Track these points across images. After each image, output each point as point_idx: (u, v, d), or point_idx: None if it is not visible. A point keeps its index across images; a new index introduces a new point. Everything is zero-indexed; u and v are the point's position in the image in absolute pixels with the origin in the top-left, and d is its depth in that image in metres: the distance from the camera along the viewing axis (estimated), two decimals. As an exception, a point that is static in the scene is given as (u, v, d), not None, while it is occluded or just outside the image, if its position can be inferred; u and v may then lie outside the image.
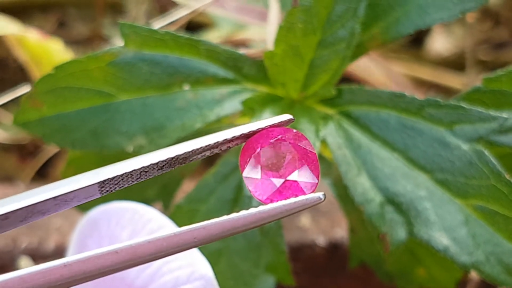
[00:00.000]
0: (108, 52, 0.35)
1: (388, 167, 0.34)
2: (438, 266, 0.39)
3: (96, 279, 0.24)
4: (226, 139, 0.25)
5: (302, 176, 0.24)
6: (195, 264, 0.30)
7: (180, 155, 0.25)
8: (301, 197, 0.24)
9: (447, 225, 0.33)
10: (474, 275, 0.44)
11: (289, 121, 0.25)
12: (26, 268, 0.23)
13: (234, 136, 0.25)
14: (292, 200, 0.24)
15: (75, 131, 0.36)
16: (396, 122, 0.34)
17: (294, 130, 0.25)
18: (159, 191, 0.39)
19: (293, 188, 0.24)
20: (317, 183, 0.24)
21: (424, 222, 0.33)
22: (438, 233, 0.33)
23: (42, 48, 0.49)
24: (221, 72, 0.35)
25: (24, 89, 0.51)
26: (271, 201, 0.24)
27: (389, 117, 0.35)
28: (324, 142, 0.35)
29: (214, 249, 0.36)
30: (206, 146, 0.25)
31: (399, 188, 0.34)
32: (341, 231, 0.45)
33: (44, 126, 0.36)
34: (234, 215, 0.23)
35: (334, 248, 0.45)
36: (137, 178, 0.25)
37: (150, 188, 0.38)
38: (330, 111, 0.36)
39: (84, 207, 0.38)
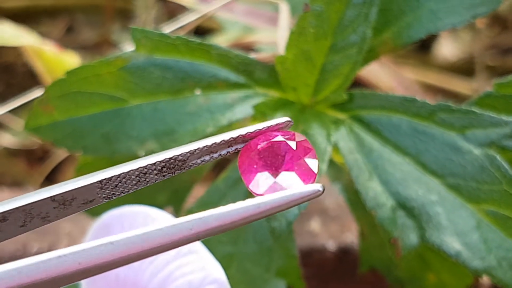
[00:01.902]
0: (119, 57, 0.35)
1: (399, 172, 0.34)
2: (448, 271, 0.39)
3: (97, 274, 0.23)
4: (223, 140, 0.25)
5: (301, 173, 0.24)
6: (208, 268, 0.30)
7: (177, 156, 0.25)
8: (299, 188, 0.23)
9: (459, 230, 0.33)
10: (484, 281, 0.44)
11: (288, 123, 0.25)
12: (22, 260, 0.23)
13: (232, 138, 0.25)
14: (290, 191, 0.23)
15: (86, 136, 0.36)
16: (408, 126, 0.34)
17: (293, 132, 0.25)
18: (169, 196, 0.39)
19: (291, 185, 0.24)
20: (315, 177, 0.24)
21: (436, 227, 0.33)
22: (450, 238, 0.33)
23: (58, 60, 0.50)
24: (233, 76, 0.35)
25: (32, 95, 0.51)
26: None
27: (401, 121, 0.35)
28: (335, 146, 0.35)
29: (225, 254, 0.36)
30: (204, 147, 0.25)
31: (411, 192, 0.34)
32: (351, 236, 0.45)
33: (56, 131, 0.36)
34: (231, 206, 0.23)
35: (344, 252, 0.45)
36: (137, 181, 0.25)
37: (161, 193, 0.39)
38: (341, 115, 0.36)
39: (89, 213, 0.38)
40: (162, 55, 0.35)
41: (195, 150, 0.25)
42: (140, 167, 0.24)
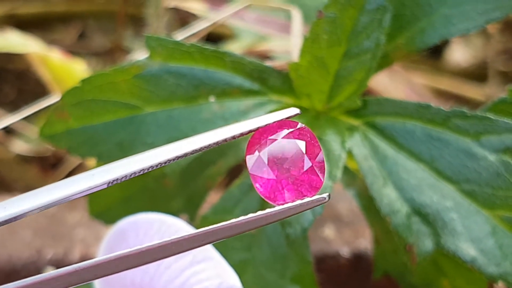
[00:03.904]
0: (134, 64, 0.35)
1: (414, 178, 0.34)
2: (462, 278, 0.39)
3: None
4: (233, 136, 0.25)
5: (307, 172, 0.24)
6: (223, 275, 0.30)
7: (188, 152, 0.25)
8: (307, 199, 0.24)
9: (474, 236, 0.33)
10: (499, 287, 0.44)
11: (295, 115, 0.25)
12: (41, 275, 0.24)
13: (242, 133, 0.25)
14: (298, 202, 0.24)
15: (101, 143, 0.36)
16: (422, 133, 0.34)
17: (299, 123, 0.25)
18: (184, 203, 0.39)
19: (298, 185, 0.24)
20: (322, 182, 0.24)
21: (451, 233, 0.33)
22: (465, 244, 0.33)
23: (65, 68, 0.50)
24: (247, 83, 0.36)
25: (45, 103, 0.51)
26: (275, 197, 0.24)
27: (415, 128, 0.35)
28: (349, 153, 0.35)
29: (240, 260, 0.36)
30: (214, 143, 0.25)
31: (426, 199, 0.34)
32: (365, 242, 0.45)
33: (71, 139, 0.36)
34: (241, 218, 0.24)
35: (358, 259, 0.45)
36: (145, 172, 0.25)
37: (176, 200, 0.39)
38: (355, 122, 0.36)
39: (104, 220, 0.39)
40: (176, 63, 0.35)
41: (206, 145, 0.25)
42: (151, 166, 0.25)
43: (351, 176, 0.39)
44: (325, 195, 0.24)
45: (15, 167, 0.60)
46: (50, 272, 0.24)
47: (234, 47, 0.53)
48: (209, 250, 0.31)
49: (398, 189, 0.34)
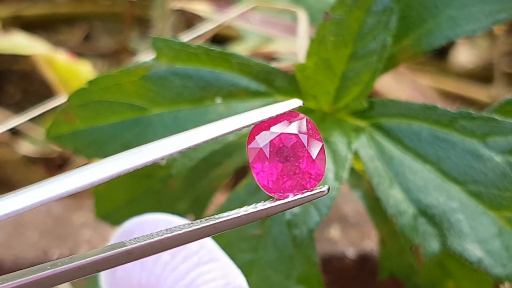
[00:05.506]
0: (140, 66, 0.35)
1: (420, 179, 0.34)
2: (468, 279, 0.39)
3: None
4: (236, 129, 0.25)
5: (308, 163, 0.24)
6: (229, 276, 0.31)
7: (190, 147, 0.25)
8: (307, 194, 0.24)
9: (481, 237, 0.33)
10: None
11: (298, 107, 0.25)
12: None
13: (245, 126, 0.25)
14: (298, 196, 0.24)
15: (107, 144, 0.36)
16: (428, 134, 0.34)
17: (301, 114, 0.25)
18: (190, 204, 0.39)
19: (298, 176, 0.24)
20: (323, 173, 0.24)
21: (457, 234, 0.33)
22: (471, 245, 0.33)
23: (70, 69, 0.50)
24: (253, 85, 0.36)
25: (51, 104, 0.51)
26: (275, 188, 0.24)
27: (421, 129, 0.35)
28: (355, 154, 0.35)
29: (246, 261, 0.36)
30: (217, 137, 0.25)
31: (432, 200, 0.34)
32: (370, 243, 0.45)
33: (77, 140, 0.36)
34: (242, 211, 0.24)
35: (364, 260, 0.45)
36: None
37: (182, 201, 0.39)
38: (362, 123, 0.36)
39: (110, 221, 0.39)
40: (183, 64, 0.35)
41: (210, 139, 0.25)
42: (154, 159, 0.25)
43: (357, 177, 0.39)
44: (324, 188, 0.24)
45: (21, 168, 0.61)
46: (53, 269, 0.24)
47: (239, 49, 0.53)
48: (215, 251, 0.31)
49: (404, 190, 0.34)
